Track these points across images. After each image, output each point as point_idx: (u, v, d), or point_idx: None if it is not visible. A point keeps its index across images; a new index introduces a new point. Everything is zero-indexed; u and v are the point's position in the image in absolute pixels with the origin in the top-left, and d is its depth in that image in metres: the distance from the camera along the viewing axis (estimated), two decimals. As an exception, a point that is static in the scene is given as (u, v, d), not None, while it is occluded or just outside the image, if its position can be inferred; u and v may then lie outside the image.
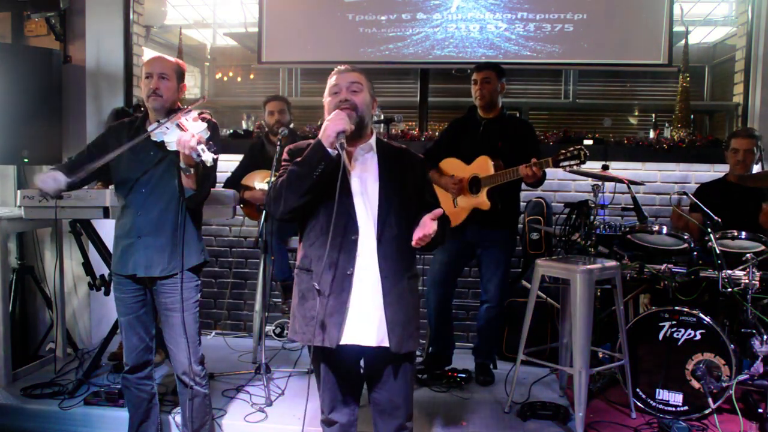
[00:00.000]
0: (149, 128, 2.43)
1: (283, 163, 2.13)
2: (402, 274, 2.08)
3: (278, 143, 3.50)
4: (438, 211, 1.97)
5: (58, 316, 3.72)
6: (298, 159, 2.01)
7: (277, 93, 4.69)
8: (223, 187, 3.86)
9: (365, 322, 2.03)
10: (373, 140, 2.14)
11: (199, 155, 2.22)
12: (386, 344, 2.03)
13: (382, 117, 4.24)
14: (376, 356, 2.09)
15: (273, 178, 3.59)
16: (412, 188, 2.13)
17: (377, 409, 2.17)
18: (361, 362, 2.19)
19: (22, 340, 3.92)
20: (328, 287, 2.02)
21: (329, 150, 1.95)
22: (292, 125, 4.05)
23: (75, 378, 3.35)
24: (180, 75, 2.55)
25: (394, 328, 2.03)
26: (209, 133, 2.35)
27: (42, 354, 3.89)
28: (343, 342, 2.02)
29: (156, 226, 2.50)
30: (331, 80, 2.11)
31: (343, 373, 2.14)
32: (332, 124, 1.95)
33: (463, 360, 3.69)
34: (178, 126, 2.36)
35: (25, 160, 3.68)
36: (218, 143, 2.52)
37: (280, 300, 3.91)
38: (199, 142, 2.22)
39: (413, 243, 1.97)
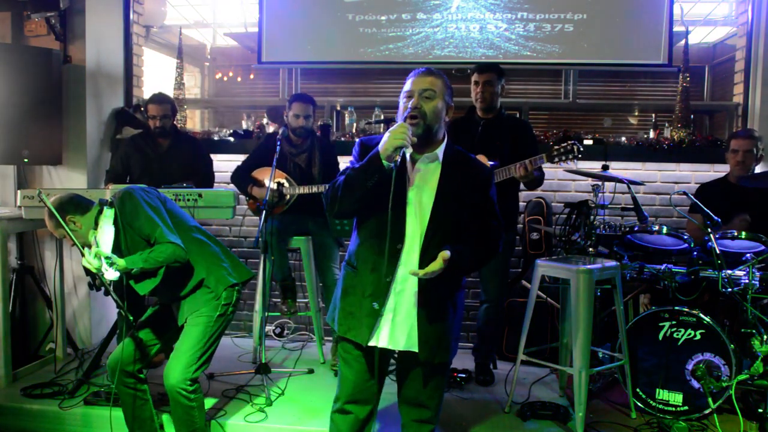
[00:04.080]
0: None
1: (353, 159, 2.12)
2: (444, 288, 2.07)
3: (278, 142, 3.52)
4: (445, 254, 1.93)
5: (58, 316, 3.72)
6: (356, 165, 2.00)
7: (300, 91, 4.66)
8: (232, 175, 3.87)
9: (395, 327, 2.06)
10: (441, 149, 2.08)
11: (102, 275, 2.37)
12: (414, 350, 2.06)
13: (382, 117, 4.24)
14: (407, 358, 2.12)
15: (283, 180, 3.65)
16: (471, 203, 2.07)
17: (403, 401, 2.21)
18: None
19: (22, 340, 3.92)
20: (369, 290, 2.06)
21: (385, 163, 1.93)
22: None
23: (75, 378, 3.35)
24: (57, 224, 2.49)
25: (427, 340, 2.06)
26: (112, 233, 2.48)
27: (42, 354, 3.89)
28: (372, 344, 2.07)
29: (165, 293, 2.64)
30: (407, 83, 2.08)
31: (370, 369, 2.15)
32: (391, 139, 1.92)
33: (463, 360, 3.69)
34: (94, 242, 2.49)
35: (25, 160, 3.68)
36: (135, 211, 2.52)
37: (279, 300, 3.91)
38: (100, 263, 2.34)
39: (410, 272, 1.96)
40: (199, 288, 2.63)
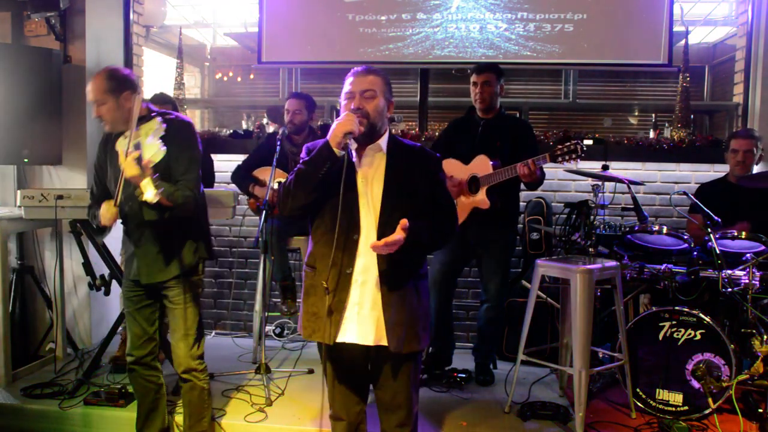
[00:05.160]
0: (117, 145, 2.47)
1: (301, 161, 2.15)
2: (406, 275, 2.09)
3: (278, 142, 3.52)
4: (404, 222, 1.94)
5: (58, 316, 3.72)
6: (306, 158, 2.06)
7: (299, 91, 4.66)
8: (233, 175, 3.87)
9: (363, 321, 2.05)
10: (383, 140, 2.14)
11: (140, 191, 2.24)
12: (384, 343, 2.04)
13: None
14: (378, 355, 2.11)
15: (284, 180, 3.65)
16: (423, 189, 2.11)
17: (380, 406, 2.19)
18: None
19: (22, 340, 3.92)
20: (331, 286, 2.05)
21: (335, 150, 1.99)
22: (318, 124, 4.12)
23: (75, 378, 3.35)
24: (113, 88, 2.44)
25: (394, 328, 2.04)
26: (163, 150, 2.29)
27: (42, 354, 3.89)
28: (339, 340, 2.05)
29: (148, 235, 2.57)
30: (347, 82, 2.12)
31: (348, 370, 2.16)
32: (340, 126, 1.99)
33: (463, 360, 3.70)
34: (137, 147, 2.31)
35: (25, 160, 3.68)
36: (191, 142, 2.50)
37: (279, 300, 3.91)
38: (142, 176, 2.21)
39: (371, 246, 1.97)
40: (183, 249, 2.59)
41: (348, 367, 2.16)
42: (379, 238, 2.02)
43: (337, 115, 4.58)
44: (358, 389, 2.21)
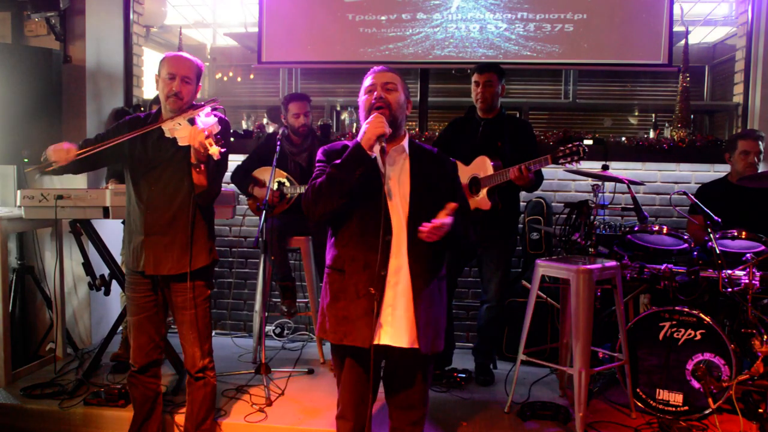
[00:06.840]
0: (164, 125, 2.49)
1: (317, 164, 2.15)
2: (433, 275, 2.11)
3: (278, 142, 3.51)
4: (452, 205, 1.98)
5: (58, 316, 3.72)
6: (337, 162, 2.03)
7: (300, 91, 4.65)
8: (232, 175, 3.87)
9: (398, 323, 2.05)
10: (406, 142, 2.16)
11: (206, 148, 2.28)
12: (417, 345, 2.05)
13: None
14: (403, 356, 2.11)
15: (283, 180, 3.65)
16: (444, 190, 2.14)
17: (394, 405, 2.21)
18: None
19: (22, 340, 3.92)
20: (363, 288, 2.04)
21: (369, 153, 1.99)
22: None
23: (75, 378, 3.35)
24: (199, 77, 2.58)
25: (425, 329, 2.06)
26: (219, 127, 2.40)
27: (42, 354, 3.89)
28: (375, 342, 2.04)
29: (166, 223, 2.55)
30: (367, 80, 2.14)
31: (365, 371, 2.14)
32: (372, 128, 1.99)
33: (463, 360, 3.70)
34: (190, 122, 2.42)
35: (25, 160, 3.68)
36: (228, 141, 2.57)
37: (279, 300, 3.91)
38: (207, 136, 2.29)
39: (421, 234, 1.96)
40: (199, 247, 2.60)
41: (366, 369, 2.13)
42: (409, 238, 2.04)
43: (338, 115, 4.60)
44: (372, 391, 2.19)
